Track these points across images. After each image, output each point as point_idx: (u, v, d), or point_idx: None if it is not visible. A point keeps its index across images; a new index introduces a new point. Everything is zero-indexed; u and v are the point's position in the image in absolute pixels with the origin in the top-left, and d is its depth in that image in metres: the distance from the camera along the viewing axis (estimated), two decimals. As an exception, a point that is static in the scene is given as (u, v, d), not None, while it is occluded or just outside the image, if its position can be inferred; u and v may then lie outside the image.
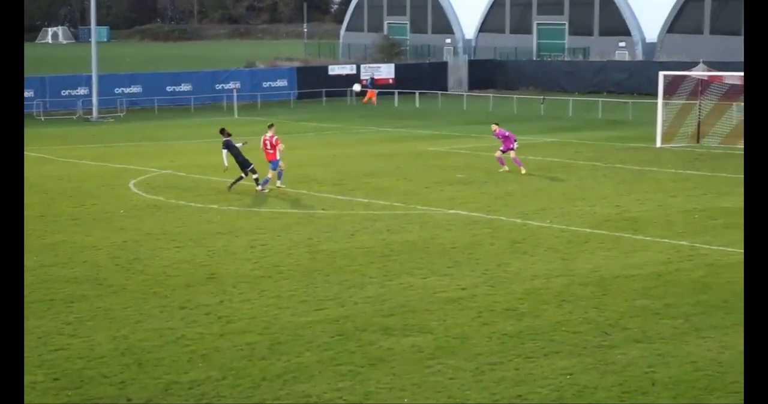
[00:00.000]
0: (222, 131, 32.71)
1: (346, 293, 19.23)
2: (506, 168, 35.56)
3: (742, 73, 48.57)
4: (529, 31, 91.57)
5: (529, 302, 18.48)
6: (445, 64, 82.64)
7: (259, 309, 18.12)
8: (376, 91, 72.23)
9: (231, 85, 68.96)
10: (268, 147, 31.80)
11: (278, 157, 31.71)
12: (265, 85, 72.18)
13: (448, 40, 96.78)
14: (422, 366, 15.03)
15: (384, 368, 14.96)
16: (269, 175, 31.89)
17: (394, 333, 16.59)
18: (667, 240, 23.73)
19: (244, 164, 31.50)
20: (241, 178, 31.61)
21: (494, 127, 36.60)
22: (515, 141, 35.82)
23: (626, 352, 15.48)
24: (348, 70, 76.74)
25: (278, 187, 32.02)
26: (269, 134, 32.00)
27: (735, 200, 29.22)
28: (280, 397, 13.86)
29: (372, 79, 74.91)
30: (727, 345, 15.75)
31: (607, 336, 16.33)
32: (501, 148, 35.86)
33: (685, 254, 22.31)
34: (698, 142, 44.78)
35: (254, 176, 31.50)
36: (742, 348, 15.52)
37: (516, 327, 16.87)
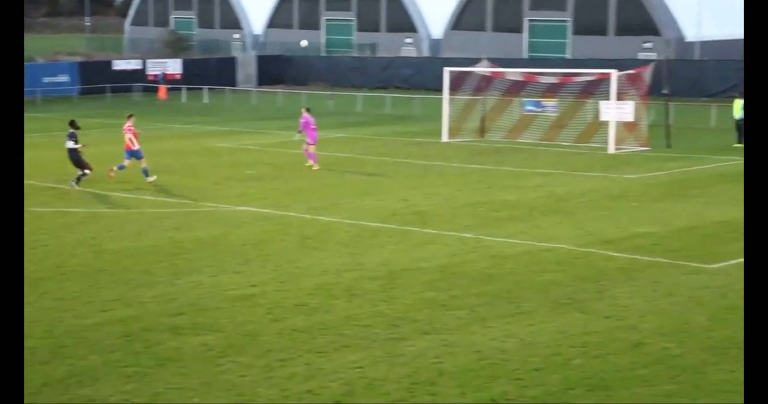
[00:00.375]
0: (71, 123, 32.12)
1: (132, 293, 18.86)
2: (311, 163, 35.71)
3: (523, 70, 50.27)
4: (317, 27, 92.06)
5: (320, 297, 18.57)
6: (233, 60, 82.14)
7: (41, 313, 17.56)
8: (167, 86, 71.16)
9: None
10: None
11: (136, 147, 32.17)
12: (45, 80, 70.08)
13: (237, 36, 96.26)
14: (212, 364, 14.90)
15: (173, 368, 14.75)
16: (125, 163, 32.49)
17: (183, 333, 16.38)
18: (453, 233, 24.29)
19: (77, 163, 31.49)
20: (85, 174, 31.38)
21: (303, 111, 36.67)
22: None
23: (415, 344, 15.76)
24: (133, 65, 75.34)
25: (149, 181, 32.33)
26: (128, 124, 32.47)
27: (517, 193, 30.17)
28: (63, 402, 13.48)
29: (163, 74, 73.74)
30: (510, 333, 16.23)
31: (396, 328, 16.59)
32: (308, 141, 35.89)
33: (470, 246, 22.88)
34: (482, 136, 46.02)
35: (81, 173, 31.17)
36: (524, 336, 16.06)
37: (306, 323, 16.93)
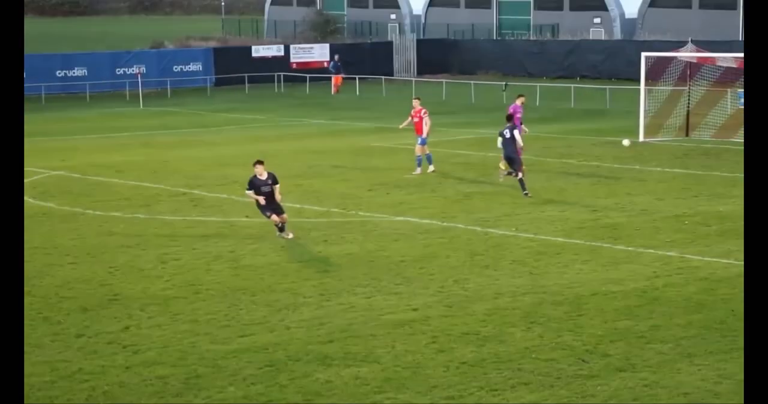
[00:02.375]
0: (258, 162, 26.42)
1: (275, 316, 19.19)
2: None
3: (737, 55, 49.27)
4: (488, 6, 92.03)
5: (493, 324, 18.55)
6: (390, 45, 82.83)
7: (172, 337, 18.03)
8: (342, 75, 71.77)
9: (134, 70, 68.55)
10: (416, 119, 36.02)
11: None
12: (176, 69, 71.92)
13: (393, 16, 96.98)
14: (367, 401, 15.04)
15: (322, 405, 14.98)
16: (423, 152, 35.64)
17: (334, 363, 16.58)
18: (652, 251, 23.95)
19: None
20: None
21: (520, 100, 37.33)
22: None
23: (607, 383, 15.61)
24: (274, 51, 76.70)
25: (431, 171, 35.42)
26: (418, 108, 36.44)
27: (731, 203, 29.56)
28: (199, 441, 13.80)
29: (337, 62, 73.40)
30: (724, 373, 15.92)
31: (584, 364, 16.45)
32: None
33: (674, 267, 22.51)
34: (687, 135, 45.29)
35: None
36: (741, 376, 15.71)
37: (477, 355, 16.93)
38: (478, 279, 21.76)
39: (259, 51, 76.20)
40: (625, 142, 40.55)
